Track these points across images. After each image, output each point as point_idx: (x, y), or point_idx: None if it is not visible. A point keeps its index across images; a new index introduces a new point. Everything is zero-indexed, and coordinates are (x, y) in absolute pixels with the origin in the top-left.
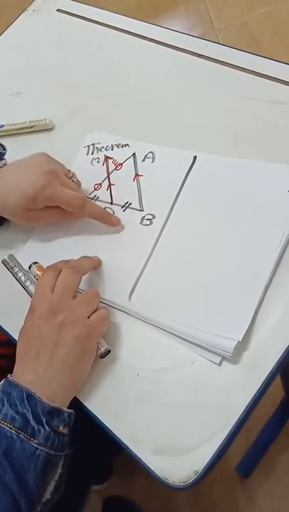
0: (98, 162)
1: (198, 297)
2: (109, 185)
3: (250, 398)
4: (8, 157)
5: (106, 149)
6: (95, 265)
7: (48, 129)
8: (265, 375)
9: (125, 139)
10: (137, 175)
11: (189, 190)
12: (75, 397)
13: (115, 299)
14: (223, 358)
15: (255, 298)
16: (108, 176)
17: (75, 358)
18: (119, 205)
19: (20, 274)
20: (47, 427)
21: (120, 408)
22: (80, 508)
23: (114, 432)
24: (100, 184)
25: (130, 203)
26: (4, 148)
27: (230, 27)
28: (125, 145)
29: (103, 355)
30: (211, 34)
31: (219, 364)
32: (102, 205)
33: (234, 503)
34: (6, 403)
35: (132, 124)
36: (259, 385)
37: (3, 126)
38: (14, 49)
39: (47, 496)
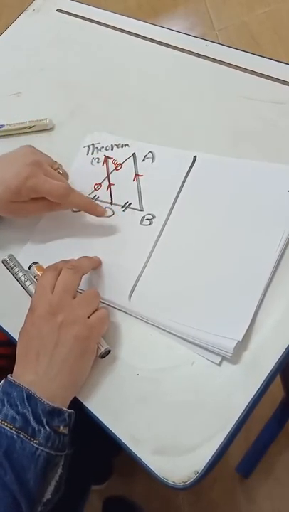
0: (98, 162)
1: (198, 297)
2: (109, 185)
3: (250, 398)
4: None
5: (106, 149)
6: (95, 265)
7: (48, 129)
8: (265, 375)
9: (125, 139)
10: (136, 175)
11: (189, 190)
12: (75, 397)
13: (115, 299)
14: (223, 358)
15: (255, 298)
16: (108, 176)
17: (75, 358)
18: (119, 205)
19: (20, 274)
20: (47, 427)
21: (120, 408)
22: (80, 508)
23: (114, 431)
24: (100, 184)
25: (130, 203)
26: None
27: (230, 27)
28: (125, 145)
29: (103, 355)
30: (211, 34)
31: (219, 364)
32: (103, 205)
33: (234, 503)
34: (6, 403)
35: (132, 124)
36: (259, 385)
37: (3, 126)
38: (14, 49)
39: (47, 495)
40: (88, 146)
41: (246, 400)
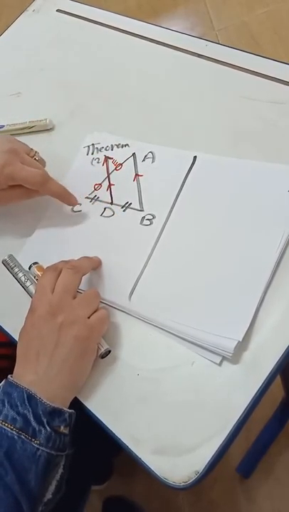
0: (98, 162)
1: (198, 297)
2: (109, 185)
3: (251, 398)
4: None
5: (106, 149)
6: (95, 265)
7: (48, 129)
8: (266, 375)
9: (125, 139)
10: (137, 175)
11: (189, 190)
12: (75, 398)
13: (115, 299)
14: (224, 358)
15: (256, 298)
16: (108, 176)
17: (75, 359)
18: (119, 205)
19: (20, 275)
20: (48, 428)
21: (120, 408)
22: (80, 508)
23: (114, 431)
24: (100, 184)
25: (130, 203)
26: None
27: (230, 27)
28: (125, 145)
29: (103, 356)
30: (210, 34)
31: (219, 364)
32: (103, 205)
33: (234, 503)
34: (6, 404)
35: (132, 124)
36: (259, 385)
37: (3, 126)
38: (14, 49)
39: (48, 495)
40: (88, 147)
41: (246, 400)
